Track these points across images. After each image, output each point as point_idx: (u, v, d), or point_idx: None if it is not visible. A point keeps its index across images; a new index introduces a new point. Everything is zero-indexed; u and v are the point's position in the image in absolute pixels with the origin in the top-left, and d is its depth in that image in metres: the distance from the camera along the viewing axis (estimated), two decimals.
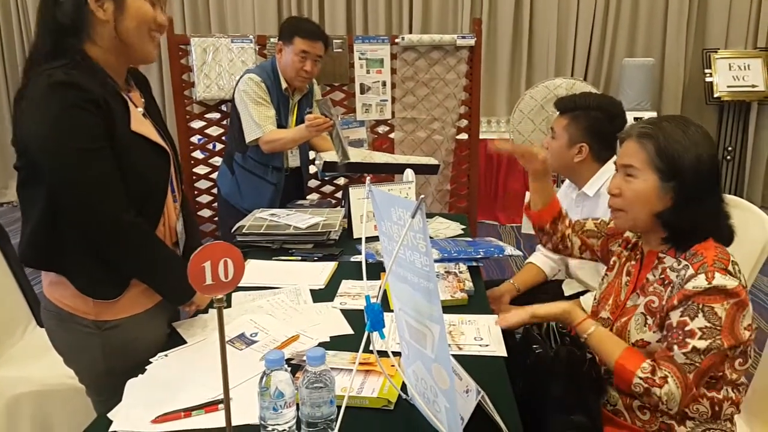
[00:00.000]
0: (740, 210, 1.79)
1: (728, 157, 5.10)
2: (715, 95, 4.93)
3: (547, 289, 2.10)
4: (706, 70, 5.01)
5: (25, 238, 1.31)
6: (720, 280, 1.20)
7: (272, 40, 3.19)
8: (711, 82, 4.95)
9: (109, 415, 1.13)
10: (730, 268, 1.23)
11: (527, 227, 3.44)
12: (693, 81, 5.30)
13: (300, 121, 2.68)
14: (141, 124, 1.35)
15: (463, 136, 3.52)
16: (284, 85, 2.62)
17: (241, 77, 2.63)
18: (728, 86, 4.91)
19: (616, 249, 1.53)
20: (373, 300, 0.96)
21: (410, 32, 5.34)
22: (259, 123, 2.52)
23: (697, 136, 1.28)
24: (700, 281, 1.20)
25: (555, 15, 5.26)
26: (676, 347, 1.22)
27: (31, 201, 1.29)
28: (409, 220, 0.89)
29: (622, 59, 5.12)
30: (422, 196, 0.92)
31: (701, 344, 1.20)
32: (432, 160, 2.66)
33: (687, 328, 1.21)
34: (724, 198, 1.32)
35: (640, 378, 1.25)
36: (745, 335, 1.22)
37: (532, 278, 2.09)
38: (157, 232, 1.39)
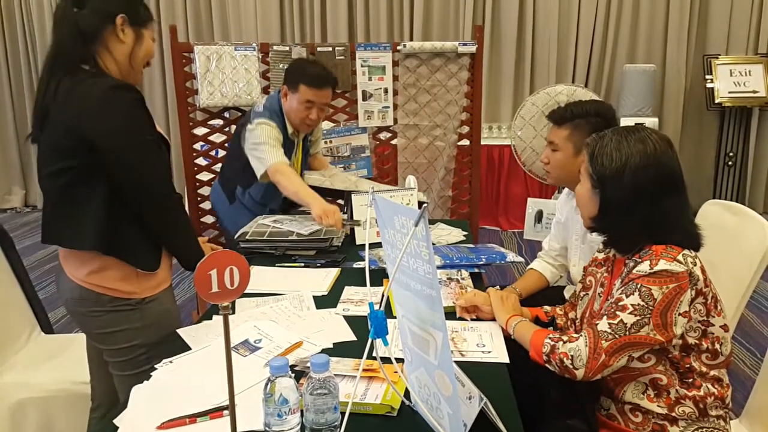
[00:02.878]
0: (740, 216, 1.79)
1: (729, 163, 5.10)
2: (716, 101, 4.93)
3: (549, 295, 2.10)
4: (707, 76, 5.02)
5: (93, 228, 1.43)
6: (663, 265, 1.23)
7: (275, 47, 3.21)
8: (712, 88, 4.96)
9: (115, 421, 1.14)
10: (679, 257, 1.24)
11: (529, 233, 3.45)
12: (694, 87, 5.31)
13: (304, 157, 2.67)
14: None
15: (465, 142, 3.53)
16: (290, 130, 2.49)
17: (251, 116, 2.48)
18: (729, 92, 4.92)
19: (590, 270, 1.56)
20: (376, 307, 0.96)
21: (411, 39, 5.36)
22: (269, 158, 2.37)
23: (631, 149, 1.28)
24: (644, 266, 1.25)
25: (556, 21, 5.28)
26: (605, 317, 1.26)
27: (86, 197, 1.43)
28: (412, 228, 0.90)
29: (623, 65, 5.13)
30: (425, 204, 0.93)
31: (629, 319, 1.23)
32: (415, 197, 2.27)
33: (621, 303, 1.25)
34: (670, 211, 1.29)
35: (549, 338, 1.31)
36: (679, 321, 1.24)
37: (534, 284, 2.09)
38: None
